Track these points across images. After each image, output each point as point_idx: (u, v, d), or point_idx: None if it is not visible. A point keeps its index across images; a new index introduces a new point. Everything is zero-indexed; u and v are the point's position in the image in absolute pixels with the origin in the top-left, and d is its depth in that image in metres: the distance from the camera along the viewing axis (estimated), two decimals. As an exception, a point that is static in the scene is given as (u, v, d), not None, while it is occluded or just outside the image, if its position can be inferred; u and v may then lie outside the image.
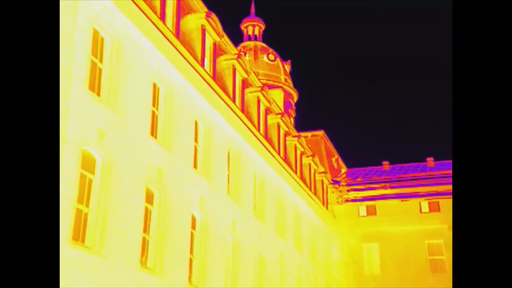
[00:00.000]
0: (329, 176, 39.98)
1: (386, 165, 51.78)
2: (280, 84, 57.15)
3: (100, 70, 14.69)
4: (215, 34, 22.07)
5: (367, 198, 39.75)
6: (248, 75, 26.34)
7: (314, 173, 36.55)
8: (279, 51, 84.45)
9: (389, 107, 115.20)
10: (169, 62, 18.10)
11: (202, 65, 20.53)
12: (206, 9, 21.71)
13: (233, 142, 23.53)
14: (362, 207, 39.64)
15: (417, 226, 36.76)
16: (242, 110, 24.37)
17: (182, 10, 19.99)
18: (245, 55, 56.88)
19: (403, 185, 39.56)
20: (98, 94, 14.37)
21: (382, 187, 39.75)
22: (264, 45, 60.36)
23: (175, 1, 19.06)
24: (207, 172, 20.42)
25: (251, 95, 27.12)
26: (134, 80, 15.82)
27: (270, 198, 27.49)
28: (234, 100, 23.54)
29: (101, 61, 14.74)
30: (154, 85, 17.57)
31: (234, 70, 24.40)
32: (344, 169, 51.19)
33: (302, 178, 33.52)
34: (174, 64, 18.28)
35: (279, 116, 30.77)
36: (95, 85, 14.31)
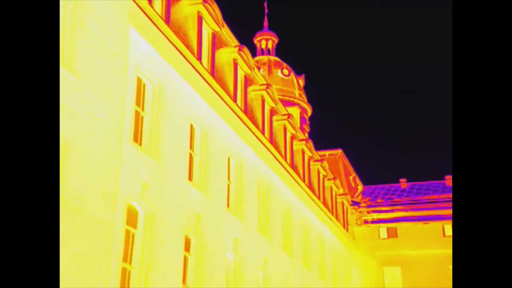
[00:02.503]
0: (349, 197, 39.37)
1: (403, 182, 51.12)
2: (294, 100, 56.63)
3: (142, 118, 14.18)
4: (246, 67, 21.56)
5: (387, 220, 39.11)
6: (276, 104, 25.82)
7: (335, 196, 35.96)
8: (292, 65, 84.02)
9: (403, 122, 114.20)
10: (205, 101, 17.60)
11: (235, 99, 20.01)
12: (237, 43, 21.21)
13: (263, 175, 23.00)
14: (383, 229, 38.98)
15: (441, 250, 35.96)
16: (271, 141, 23.83)
17: (215, 45, 19.48)
18: (259, 69, 56.39)
19: (425, 207, 38.84)
20: (141, 144, 13.86)
21: (403, 209, 39.09)
22: (278, 59, 59.85)
23: (210, 37, 18.56)
24: (239, 210, 19.89)
25: (277, 123, 26.58)
26: (174, 124, 15.31)
27: (296, 228, 26.95)
28: (263, 132, 23.02)
29: (142, 109, 14.24)
30: (191, 126, 17.06)
31: (263, 100, 23.88)
32: (360, 186, 50.59)
33: (324, 203, 32.95)
34: (209, 102, 17.79)
35: (304, 142, 30.24)
36: (138, 135, 13.81)
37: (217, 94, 17.91)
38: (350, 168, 46.46)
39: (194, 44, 17.10)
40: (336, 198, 36.13)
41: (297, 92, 56.95)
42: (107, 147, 10.68)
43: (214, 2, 18.30)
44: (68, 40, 10.14)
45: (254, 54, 59.63)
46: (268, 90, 24.23)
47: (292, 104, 55.69)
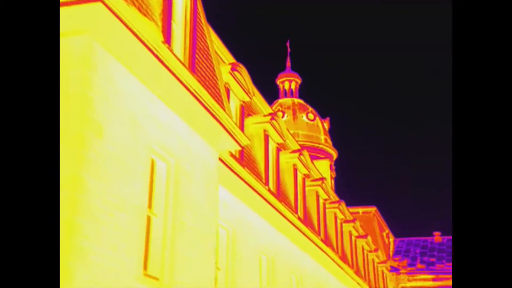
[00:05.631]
0: (388, 265, 35.66)
1: (437, 236, 47.40)
2: (320, 145, 53.58)
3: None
4: (279, 137, 18.58)
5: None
6: (310, 171, 22.65)
7: (375, 265, 32.39)
8: (316, 105, 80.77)
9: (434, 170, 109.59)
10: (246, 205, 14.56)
11: (266, 182, 16.91)
12: (280, 140, 18.51)
13: (297, 264, 19.74)
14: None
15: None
16: (305, 218, 20.59)
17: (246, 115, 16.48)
18: (283, 114, 53.57)
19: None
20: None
21: (446, 275, 35.19)
22: (302, 101, 56.99)
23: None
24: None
25: (310, 189, 23.38)
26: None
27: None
28: (296, 211, 19.82)
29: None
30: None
31: (296, 170, 20.74)
32: (391, 238, 46.96)
33: (360, 272, 29.53)
34: (240, 197, 14.82)
35: (337, 204, 26.99)
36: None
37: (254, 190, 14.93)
38: (384, 224, 42.92)
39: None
40: (374, 266, 32.58)
41: (322, 137, 53.88)
42: None
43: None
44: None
45: (276, 96, 56.88)
46: (301, 157, 21.11)
47: (317, 150, 52.66)
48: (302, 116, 53.71)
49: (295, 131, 52.74)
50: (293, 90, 57.63)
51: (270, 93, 60.52)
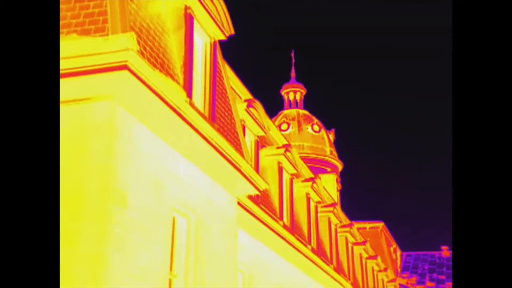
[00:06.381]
0: (397, 283, 35.31)
1: (445, 250, 47.04)
2: (325, 158, 53.24)
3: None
4: (292, 167, 18.25)
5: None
6: (322, 199, 22.32)
7: (384, 284, 32.06)
8: (320, 114, 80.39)
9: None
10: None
11: (281, 217, 16.59)
12: (294, 171, 18.24)
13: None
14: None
15: None
16: (318, 251, 20.26)
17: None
18: (288, 126, 53.24)
19: None
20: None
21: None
22: (307, 112, 56.59)
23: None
24: None
25: (322, 215, 23.05)
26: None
27: None
28: (310, 241, 19.48)
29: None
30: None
31: (308, 199, 20.40)
32: (398, 252, 46.58)
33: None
34: (256, 237, 14.46)
35: (348, 229, 26.64)
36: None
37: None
38: (391, 239, 42.57)
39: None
40: (384, 285, 32.25)
41: (328, 149, 53.51)
42: None
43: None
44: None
45: (281, 107, 56.55)
46: (314, 185, 20.77)
47: (323, 162, 52.35)
48: (307, 128, 53.32)
49: (300, 143, 52.39)
50: (298, 100, 57.35)
51: (275, 104, 60.25)
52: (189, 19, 10.03)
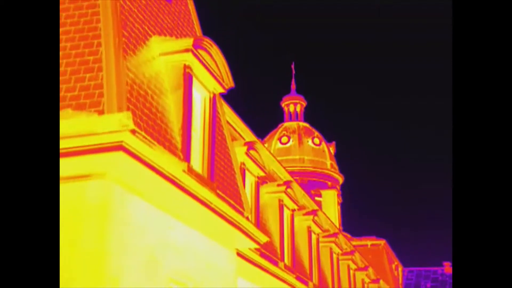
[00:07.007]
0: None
1: (447, 266, 46.67)
2: (326, 171, 52.85)
3: None
4: (293, 204, 17.85)
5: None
6: (322, 229, 21.93)
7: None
8: (320, 126, 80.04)
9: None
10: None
11: (282, 257, 16.20)
12: (295, 206, 17.84)
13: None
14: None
15: None
16: (320, 286, 19.88)
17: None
18: (288, 139, 52.85)
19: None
20: None
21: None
22: (307, 125, 56.19)
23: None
24: None
25: (323, 244, 22.66)
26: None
27: None
28: (311, 277, 19.09)
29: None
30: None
31: (310, 232, 20.02)
32: (400, 268, 46.20)
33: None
34: (256, 282, 14.03)
35: (350, 256, 26.25)
36: None
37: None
38: (393, 256, 42.19)
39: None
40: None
41: (328, 162, 53.11)
42: None
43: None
44: None
45: (281, 119, 56.17)
46: (316, 218, 20.39)
47: (323, 176, 51.96)
48: (307, 141, 52.92)
49: (301, 157, 52.06)
50: (298, 112, 56.94)
51: (274, 117, 59.95)
52: (188, 78, 9.65)
